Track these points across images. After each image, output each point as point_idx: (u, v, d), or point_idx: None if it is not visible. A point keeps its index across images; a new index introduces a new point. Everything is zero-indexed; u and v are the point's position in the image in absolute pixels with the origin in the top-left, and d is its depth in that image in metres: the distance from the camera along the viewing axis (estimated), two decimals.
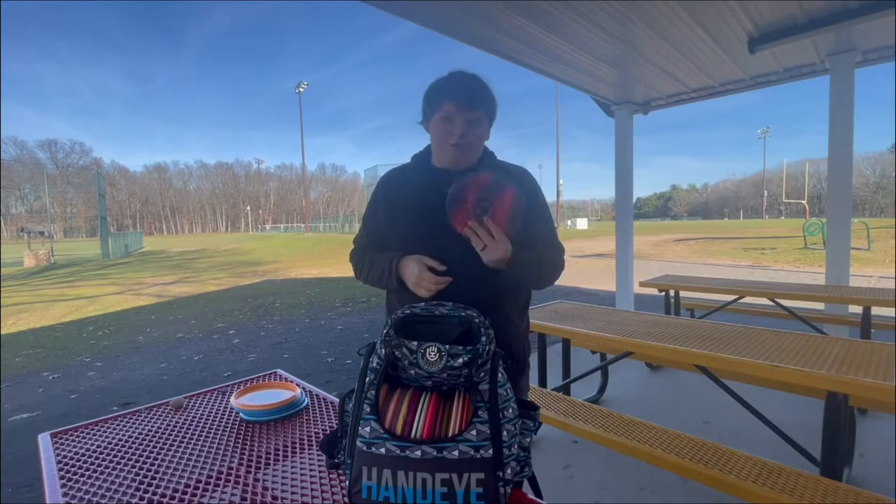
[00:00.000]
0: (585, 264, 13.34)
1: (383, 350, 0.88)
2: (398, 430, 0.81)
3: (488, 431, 0.80)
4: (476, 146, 1.16)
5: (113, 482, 1.01)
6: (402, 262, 1.13)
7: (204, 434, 1.23)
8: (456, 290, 1.07)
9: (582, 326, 2.49)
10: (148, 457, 1.11)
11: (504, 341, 0.97)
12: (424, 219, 1.13)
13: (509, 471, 0.81)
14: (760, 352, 1.87)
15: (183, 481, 1.00)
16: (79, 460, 1.11)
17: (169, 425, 1.29)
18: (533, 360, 1.32)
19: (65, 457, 1.13)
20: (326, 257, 17.13)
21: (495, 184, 1.03)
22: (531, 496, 0.93)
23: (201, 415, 1.36)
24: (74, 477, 1.03)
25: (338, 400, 1.18)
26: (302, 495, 0.94)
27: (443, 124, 1.12)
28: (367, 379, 0.87)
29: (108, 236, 22.02)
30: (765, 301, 3.76)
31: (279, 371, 1.69)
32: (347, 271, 1.35)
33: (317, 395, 1.48)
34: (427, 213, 1.12)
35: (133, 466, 1.07)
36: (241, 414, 1.32)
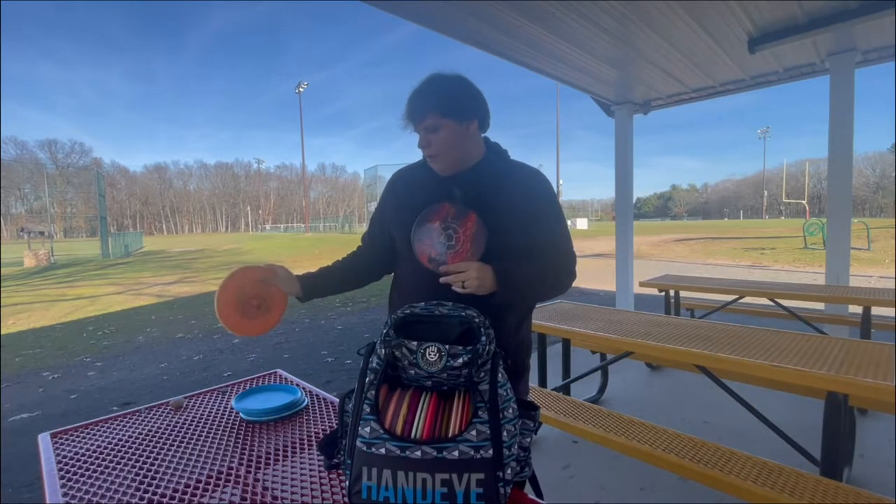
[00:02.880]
0: (585, 264, 13.33)
1: (383, 350, 0.88)
2: (398, 430, 0.81)
3: (488, 432, 0.80)
4: (450, 148, 1.11)
5: (113, 482, 1.01)
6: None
7: (204, 434, 1.23)
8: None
9: (582, 326, 2.49)
10: (148, 457, 1.11)
11: (501, 343, 0.96)
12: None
13: (509, 471, 0.81)
14: (760, 352, 1.86)
15: (183, 481, 1.01)
16: (79, 460, 1.11)
17: (169, 425, 1.29)
18: (533, 360, 1.31)
19: (65, 457, 1.13)
20: (326, 257, 17.08)
21: (456, 212, 1.08)
22: (532, 496, 0.93)
23: (201, 415, 1.36)
24: (74, 477, 1.03)
25: (338, 400, 1.18)
26: (302, 495, 0.94)
27: (419, 141, 1.15)
28: (367, 379, 0.87)
29: (108, 236, 22.02)
30: (765, 301, 3.76)
31: (279, 371, 1.69)
32: None
33: (317, 395, 1.48)
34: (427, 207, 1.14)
35: (133, 466, 1.07)
36: (241, 414, 1.32)
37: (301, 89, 48.23)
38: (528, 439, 0.90)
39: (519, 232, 1.11)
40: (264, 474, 1.03)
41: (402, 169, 1.29)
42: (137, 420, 1.34)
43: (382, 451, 0.79)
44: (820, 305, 3.98)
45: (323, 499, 0.93)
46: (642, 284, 4.20)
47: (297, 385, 1.54)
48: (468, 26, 3.13)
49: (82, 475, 1.04)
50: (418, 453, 0.78)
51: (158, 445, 1.17)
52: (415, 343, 0.87)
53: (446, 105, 1.09)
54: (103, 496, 0.95)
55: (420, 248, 1.08)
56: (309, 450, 1.14)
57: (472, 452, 0.78)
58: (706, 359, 1.90)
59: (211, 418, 1.34)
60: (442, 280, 1.03)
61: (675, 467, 1.77)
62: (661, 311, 4.12)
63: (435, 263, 1.05)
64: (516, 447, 0.85)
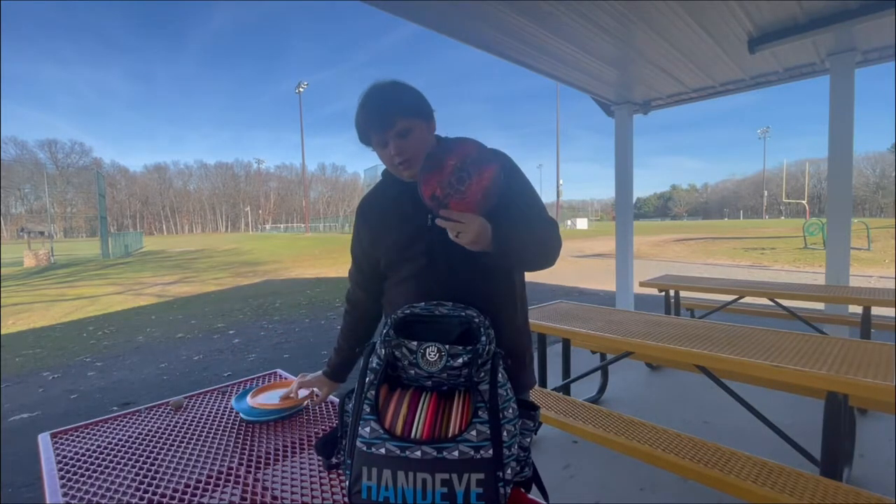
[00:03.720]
0: (585, 264, 13.33)
1: (383, 350, 0.88)
2: (398, 430, 0.81)
3: (488, 432, 0.80)
4: (421, 151, 1.09)
5: (113, 482, 1.01)
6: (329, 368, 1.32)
7: (204, 434, 1.23)
8: (445, 284, 1.05)
9: (582, 326, 2.49)
10: (148, 457, 1.11)
11: (499, 334, 0.95)
12: (400, 225, 1.11)
13: (509, 471, 0.81)
14: (760, 352, 1.86)
15: (183, 481, 1.01)
16: (79, 460, 1.11)
17: (169, 425, 1.29)
18: (533, 360, 1.31)
19: (65, 457, 1.13)
20: (326, 257, 17.14)
21: (478, 157, 0.97)
22: (536, 497, 0.93)
23: (201, 415, 1.36)
24: (74, 477, 1.03)
25: (338, 400, 1.18)
26: (302, 495, 0.94)
27: (381, 151, 1.10)
28: (367, 379, 0.87)
29: (108, 236, 22.01)
30: (765, 301, 3.76)
31: (279, 371, 1.69)
32: (347, 271, 1.34)
33: (317, 396, 1.48)
34: (402, 221, 1.11)
35: (133, 466, 1.07)
36: (241, 414, 1.32)
37: (301, 89, 48.25)
38: (528, 439, 0.90)
39: (497, 215, 1.05)
40: (264, 474, 1.03)
41: (365, 196, 1.26)
42: (137, 420, 1.34)
43: (382, 451, 0.79)
44: (820, 305, 3.98)
45: (323, 499, 0.93)
46: (642, 284, 4.20)
47: None
48: (468, 26, 3.13)
49: (82, 475, 1.04)
50: (418, 453, 0.78)
51: (158, 445, 1.17)
52: (415, 343, 0.87)
53: (411, 106, 1.07)
54: (103, 496, 0.95)
55: (426, 181, 0.95)
56: (309, 450, 1.14)
57: (472, 452, 0.78)
58: (706, 359, 1.90)
59: (211, 418, 1.34)
60: (437, 222, 0.95)
61: (675, 467, 1.77)
62: (661, 311, 4.12)
63: (436, 202, 0.94)
64: (516, 447, 0.85)
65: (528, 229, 1.07)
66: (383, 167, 1.21)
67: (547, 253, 1.11)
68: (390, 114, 1.05)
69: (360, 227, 1.23)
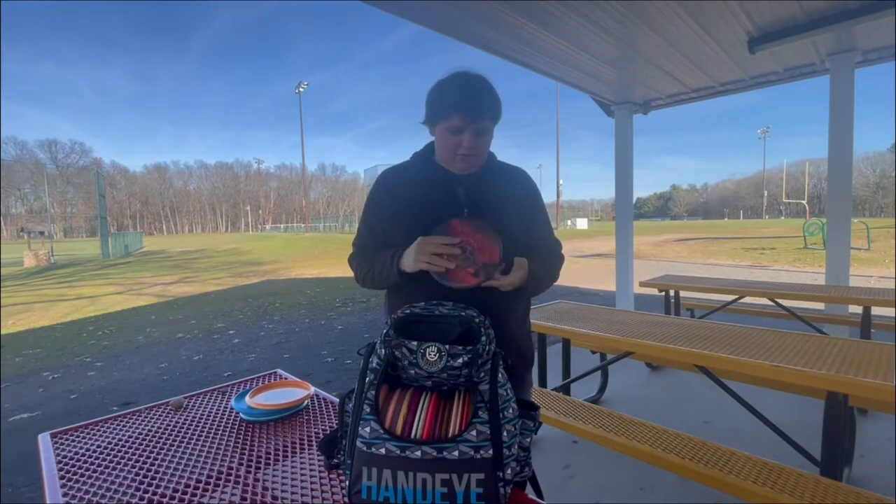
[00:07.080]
0: (585, 264, 13.33)
1: (383, 350, 0.88)
2: (398, 430, 0.81)
3: (488, 432, 0.80)
4: (484, 153, 1.14)
5: (113, 482, 1.01)
6: (403, 253, 1.07)
7: (204, 434, 1.23)
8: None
9: (582, 326, 2.49)
10: (148, 457, 1.11)
11: (512, 335, 0.97)
12: (429, 215, 1.10)
13: (509, 471, 0.81)
14: (760, 352, 1.86)
15: (183, 481, 1.00)
16: (79, 460, 1.11)
17: (169, 425, 1.29)
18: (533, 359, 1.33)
19: (65, 457, 1.13)
20: (326, 257, 17.13)
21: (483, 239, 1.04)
22: (532, 496, 0.93)
23: (201, 415, 1.36)
24: (74, 477, 1.03)
25: (338, 400, 1.18)
26: (302, 495, 0.94)
27: (450, 135, 1.08)
28: (367, 379, 0.87)
29: (108, 236, 22.00)
30: (765, 301, 3.76)
31: (279, 371, 1.69)
32: (347, 271, 1.32)
33: (317, 395, 1.48)
34: (431, 210, 1.10)
35: (133, 466, 1.07)
36: (241, 414, 1.32)
37: (301, 89, 48.26)
38: (528, 439, 0.90)
39: (520, 228, 1.15)
40: (264, 474, 1.03)
41: (389, 170, 1.22)
42: (137, 420, 1.34)
43: (382, 451, 0.79)
44: (820, 305, 3.97)
45: (323, 499, 0.93)
46: (642, 284, 4.20)
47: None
48: (468, 26, 3.13)
49: (82, 475, 1.04)
50: (418, 453, 0.78)
51: (158, 445, 1.17)
52: (415, 343, 0.87)
53: (498, 112, 1.12)
54: (103, 496, 0.95)
55: (462, 277, 1.03)
56: (309, 450, 1.13)
57: (472, 452, 0.78)
58: (706, 359, 1.90)
59: (211, 418, 1.33)
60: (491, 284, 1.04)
61: (675, 467, 1.77)
62: (661, 311, 4.12)
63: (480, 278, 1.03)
64: (516, 447, 0.85)
65: (550, 263, 1.22)
66: (383, 167, 1.22)
67: (557, 276, 1.25)
68: (485, 109, 1.08)
69: (382, 199, 1.19)
